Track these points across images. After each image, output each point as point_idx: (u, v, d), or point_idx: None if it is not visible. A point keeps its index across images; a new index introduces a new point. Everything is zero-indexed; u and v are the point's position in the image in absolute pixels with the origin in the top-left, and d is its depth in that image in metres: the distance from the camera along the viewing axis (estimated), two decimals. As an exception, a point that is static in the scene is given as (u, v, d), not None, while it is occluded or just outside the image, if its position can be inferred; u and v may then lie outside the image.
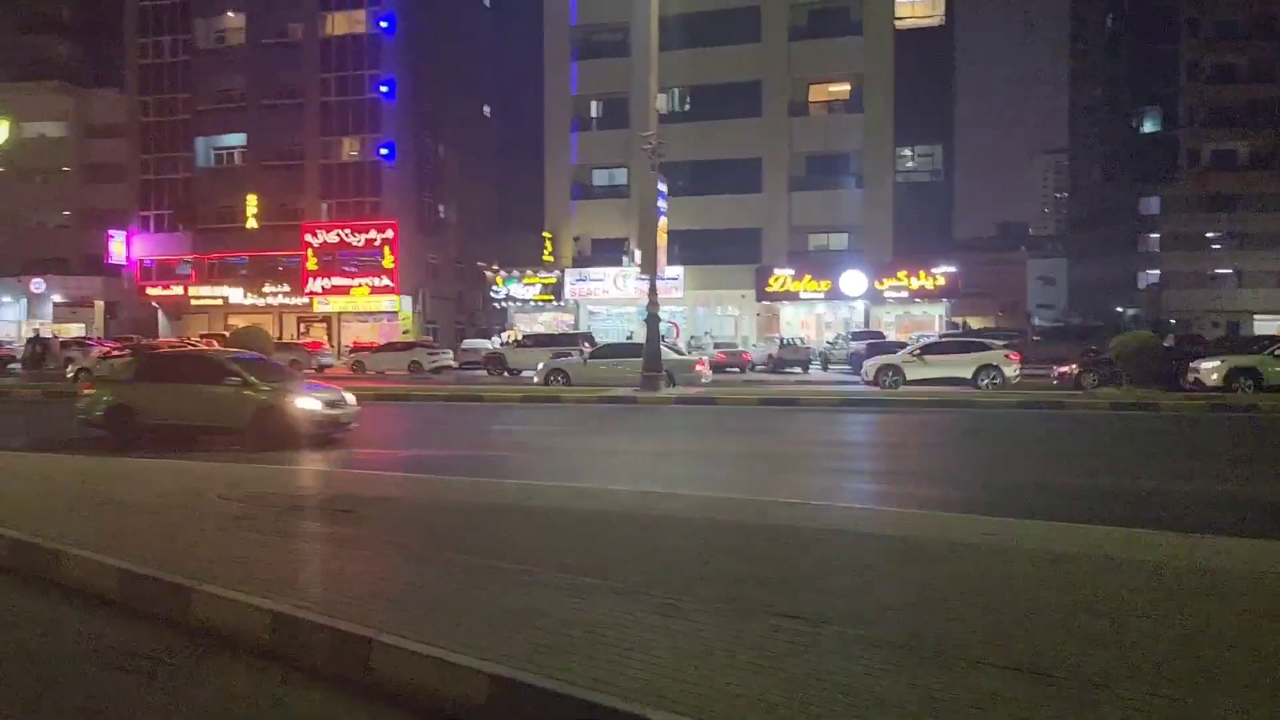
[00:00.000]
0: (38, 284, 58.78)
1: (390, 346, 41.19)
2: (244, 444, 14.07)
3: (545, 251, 48.56)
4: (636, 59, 46.67)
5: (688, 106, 46.32)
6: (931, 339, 31.66)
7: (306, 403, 13.70)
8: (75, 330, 57.08)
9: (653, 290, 23.49)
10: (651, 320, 23.30)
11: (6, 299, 60.48)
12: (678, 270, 42.67)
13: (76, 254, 61.45)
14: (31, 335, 47.12)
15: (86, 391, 15.68)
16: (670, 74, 42.66)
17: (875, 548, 7.08)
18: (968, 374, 25.05)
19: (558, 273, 47.66)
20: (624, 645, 4.71)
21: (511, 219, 59.95)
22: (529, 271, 48.38)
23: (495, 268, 49.88)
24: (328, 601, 5.53)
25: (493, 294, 49.74)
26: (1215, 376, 22.98)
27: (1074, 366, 26.26)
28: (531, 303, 48.55)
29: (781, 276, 44.66)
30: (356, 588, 5.87)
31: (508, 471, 11.95)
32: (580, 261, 48.06)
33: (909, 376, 25.31)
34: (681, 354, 27.55)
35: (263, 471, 11.66)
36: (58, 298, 59.96)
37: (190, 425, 14.74)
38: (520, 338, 40.95)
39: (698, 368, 25.62)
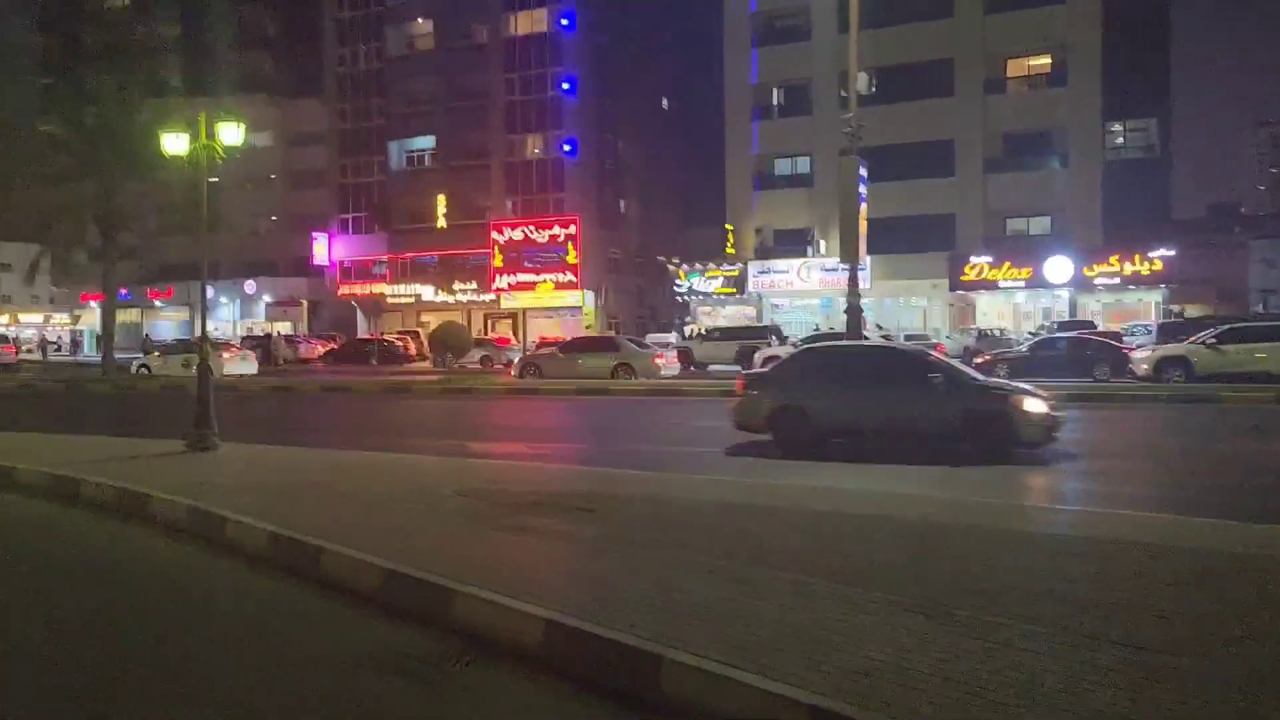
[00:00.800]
0: (250, 285, 62.83)
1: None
2: (957, 450, 11.88)
3: (727, 244, 47.97)
4: (819, 43, 45.49)
5: (874, 89, 44.61)
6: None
7: (1035, 404, 11.67)
8: (283, 328, 60.71)
9: (853, 280, 22.53)
10: (852, 312, 22.36)
11: (223, 300, 64.92)
12: (864, 260, 41.16)
13: (283, 257, 65.27)
14: (262, 334, 50.65)
15: (744, 391, 13.64)
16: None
17: None
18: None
19: (740, 265, 46.99)
20: (970, 680, 4.05)
21: (691, 212, 59.62)
22: (711, 265, 47.91)
23: (677, 261, 49.68)
24: (595, 608, 5.16)
25: (675, 288, 49.55)
26: (1145, 367, 22.97)
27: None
28: (714, 296, 48.06)
29: (978, 264, 42.43)
30: (621, 592, 5.46)
31: (737, 469, 11.45)
32: (762, 253, 47.22)
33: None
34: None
35: (494, 467, 11.58)
36: (268, 298, 63.89)
37: (879, 429, 12.58)
38: (706, 331, 40.47)
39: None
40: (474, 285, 54.11)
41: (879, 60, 43.09)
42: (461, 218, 54.85)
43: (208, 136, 13.01)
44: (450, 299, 55.12)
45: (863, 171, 23.11)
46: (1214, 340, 22.64)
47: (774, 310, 47.01)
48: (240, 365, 35.45)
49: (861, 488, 9.56)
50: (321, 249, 59.54)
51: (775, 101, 48.21)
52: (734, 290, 47.20)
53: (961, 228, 44.16)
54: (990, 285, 42.78)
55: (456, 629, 5.46)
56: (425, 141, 57.00)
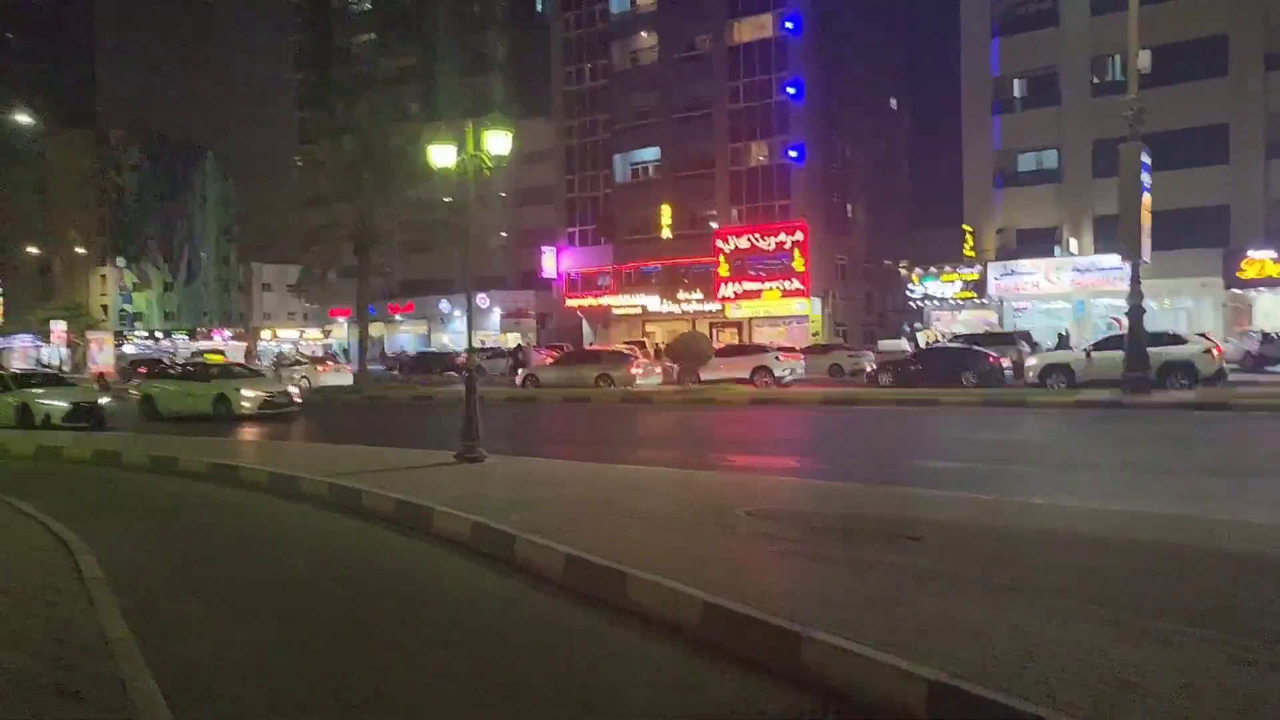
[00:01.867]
0: (482, 299, 65.41)
1: (809, 350, 40.29)
2: None
3: (965, 245, 45.28)
4: (1068, 28, 42.25)
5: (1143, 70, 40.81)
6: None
7: None
8: (513, 339, 62.79)
9: (1135, 279, 20.34)
10: (1135, 313, 20.17)
11: (457, 313, 67.98)
12: (1113, 259, 37.64)
13: (512, 271, 67.61)
14: (514, 346, 52.27)
15: None
16: (1110, 38, 37.92)
17: None
18: None
19: (979, 268, 44.21)
20: None
21: (922, 214, 57.11)
22: (948, 268, 45.40)
23: (909, 265, 47.46)
24: (990, 667, 4.23)
25: (908, 292, 47.31)
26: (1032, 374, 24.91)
27: None
28: (950, 300, 45.50)
29: (1258, 260, 37.91)
30: (1018, 650, 4.48)
31: (1041, 487, 10.09)
32: (1007, 254, 44.25)
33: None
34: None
35: (773, 484, 10.79)
36: (499, 311, 66.32)
37: None
38: (948, 337, 38.21)
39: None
40: (698, 294, 53.89)
41: (1141, 40, 39.35)
42: (685, 227, 54.84)
43: (475, 148, 12.97)
44: (675, 308, 55.15)
45: (1146, 159, 20.82)
46: (1089, 349, 24.74)
47: (1016, 314, 43.95)
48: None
49: None
50: (550, 262, 61.18)
51: (1017, 94, 45.16)
52: (973, 294, 44.47)
53: (1237, 220, 39.66)
54: (1273, 283, 38.17)
55: (808, 681, 4.67)
56: (649, 153, 57.43)
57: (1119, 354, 21.12)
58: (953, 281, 45.09)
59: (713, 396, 26.64)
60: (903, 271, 47.69)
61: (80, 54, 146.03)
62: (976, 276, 44.15)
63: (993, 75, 44.90)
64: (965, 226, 45.68)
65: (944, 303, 45.88)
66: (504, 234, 69.35)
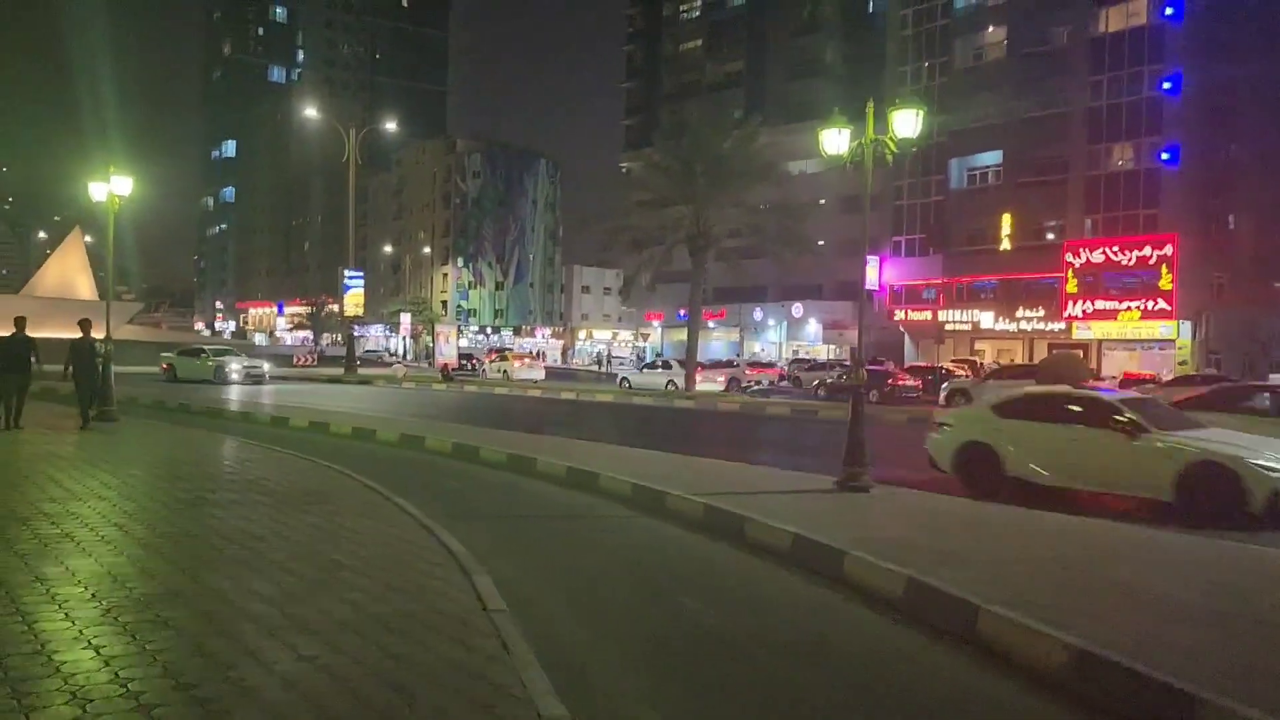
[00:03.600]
0: (797, 308, 63.76)
1: (1174, 382, 34.76)
2: None
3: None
4: None
5: None
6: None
7: None
8: (822, 353, 60.75)
9: None
10: None
11: (770, 322, 66.77)
12: None
13: (829, 280, 65.29)
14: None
15: None
16: None
17: None
18: None
19: None
20: None
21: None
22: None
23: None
24: None
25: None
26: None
27: None
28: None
29: None
30: None
31: None
32: None
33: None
34: None
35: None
36: (813, 321, 64.35)
37: None
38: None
39: None
40: (1040, 311, 49.10)
41: None
42: (1026, 239, 50.23)
43: (876, 131, 11.27)
44: (1012, 327, 50.64)
45: None
46: None
47: None
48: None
49: None
50: (873, 272, 58.29)
51: None
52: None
53: None
54: None
55: None
56: (990, 157, 53.14)
57: None
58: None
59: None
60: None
61: (435, 70, 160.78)
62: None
63: None
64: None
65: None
66: (821, 242, 67.24)
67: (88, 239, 59.08)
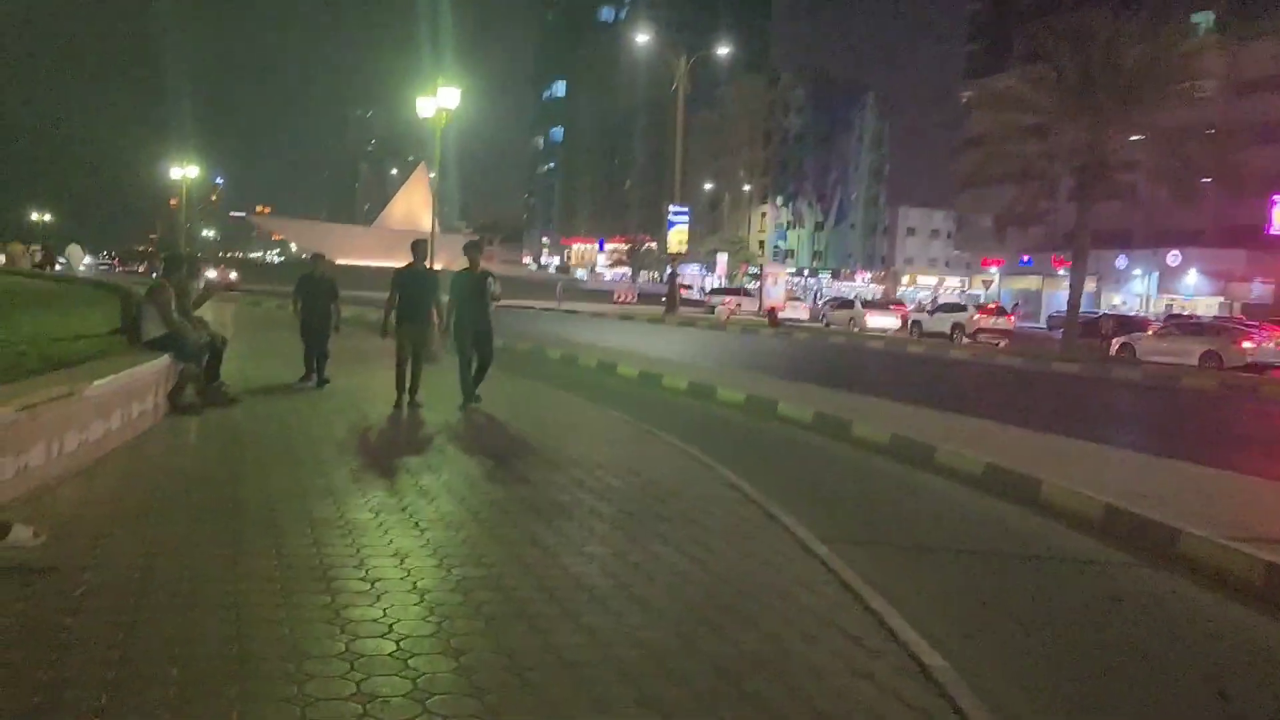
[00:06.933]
0: (1174, 256, 54.84)
1: None
2: None
3: None
4: None
5: None
6: None
7: None
8: (1206, 308, 51.80)
9: None
10: None
11: (1136, 271, 58.14)
12: None
13: (1212, 225, 55.62)
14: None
15: None
16: None
17: None
18: None
19: None
20: None
21: None
22: None
23: None
24: None
25: None
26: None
27: None
28: None
29: None
30: None
31: None
32: None
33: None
34: None
35: None
36: (1194, 271, 55.15)
37: None
38: None
39: None
40: None
41: None
42: None
43: None
44: None
45: None
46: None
47: None
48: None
49: None
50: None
51: None
52: None
53: None
54: None
55: None
56: None
57: None
58: None
59: None
60: None
61: (759, 4, 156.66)
62: None
63: None
64: None
65: None
66: (1206, 180, 57.15)
67: (431, 175, 61.93)
